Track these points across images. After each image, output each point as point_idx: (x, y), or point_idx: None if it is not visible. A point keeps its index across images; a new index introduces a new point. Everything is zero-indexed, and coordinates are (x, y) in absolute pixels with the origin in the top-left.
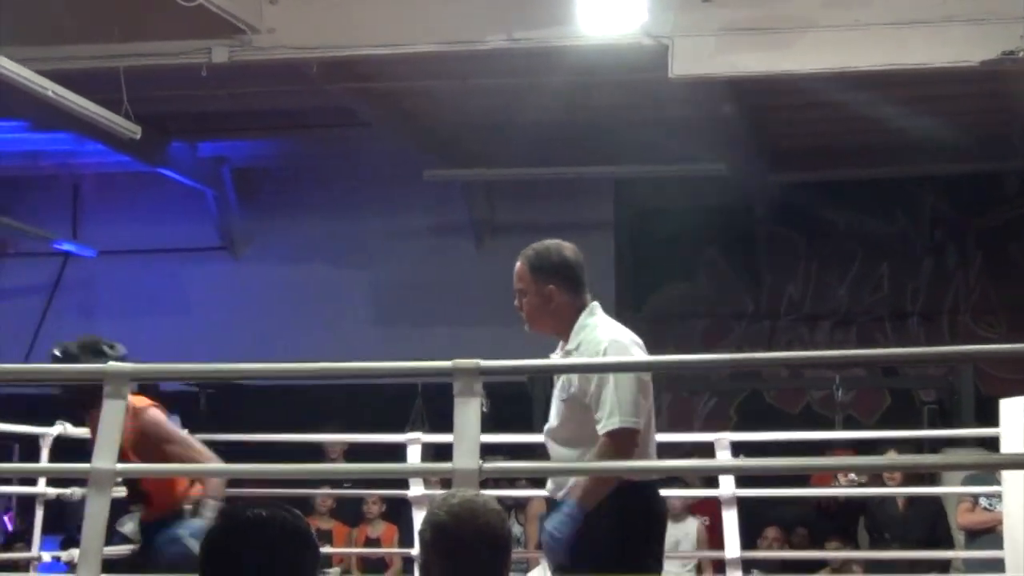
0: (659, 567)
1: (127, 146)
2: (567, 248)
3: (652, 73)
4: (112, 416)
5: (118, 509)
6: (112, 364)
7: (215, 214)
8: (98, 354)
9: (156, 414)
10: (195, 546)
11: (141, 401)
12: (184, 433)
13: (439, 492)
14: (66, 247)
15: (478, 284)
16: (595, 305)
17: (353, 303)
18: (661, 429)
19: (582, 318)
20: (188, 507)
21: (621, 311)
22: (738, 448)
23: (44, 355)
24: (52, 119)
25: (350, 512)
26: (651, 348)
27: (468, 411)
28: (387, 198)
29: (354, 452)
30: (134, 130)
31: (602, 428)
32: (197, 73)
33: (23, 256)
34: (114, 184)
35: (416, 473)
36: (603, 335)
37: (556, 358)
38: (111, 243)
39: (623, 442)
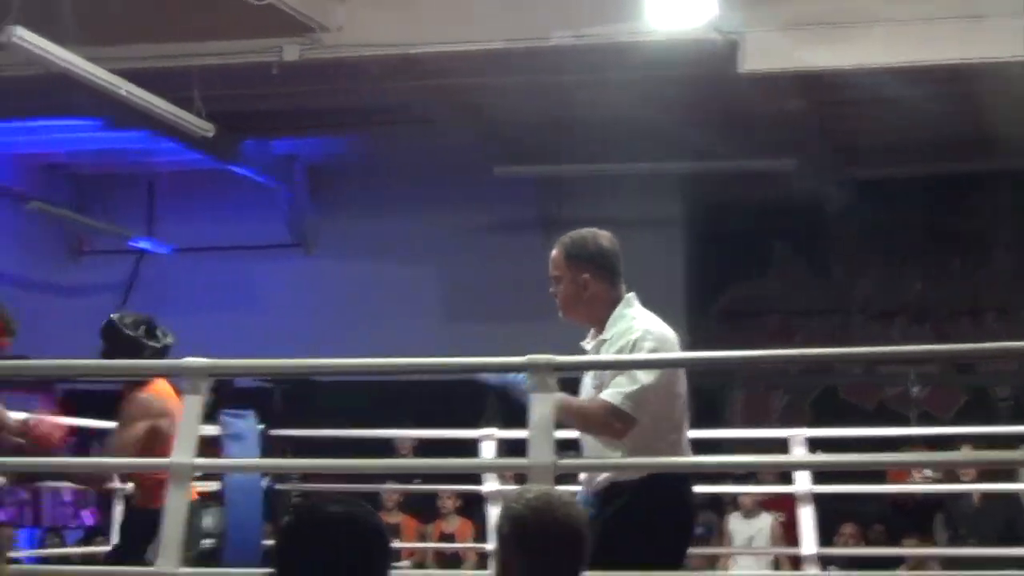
0: (678, 562)
1: (201, 144)
2: (604, 237)
3: (721, 69)
4: (191, 411)
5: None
6: (190, 360)
7: (287, 211)
8: (149, 333)
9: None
10: None
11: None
12: None
13: (513, 487)
14: (141, 244)
15: (546, 280)
16: (631, 296)
17: (423, 299)
18: (735, 425)
19: (619, 309)
20: None
21: (690, 308)
22: (814, 445)
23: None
24: (127, 118)
25: (421, 507)
26: (720, 345)
27: (543, 406)
28: (457, 194)
29: (423, 448)
30: (207, 128)
31: (603, 395)
32: (268, 71)
33: (100, 253)
34: (188, 182)
35: (492, 468)
36: (638, 326)
37: (588, 347)
38: (185, 240)
39: (611, 417)
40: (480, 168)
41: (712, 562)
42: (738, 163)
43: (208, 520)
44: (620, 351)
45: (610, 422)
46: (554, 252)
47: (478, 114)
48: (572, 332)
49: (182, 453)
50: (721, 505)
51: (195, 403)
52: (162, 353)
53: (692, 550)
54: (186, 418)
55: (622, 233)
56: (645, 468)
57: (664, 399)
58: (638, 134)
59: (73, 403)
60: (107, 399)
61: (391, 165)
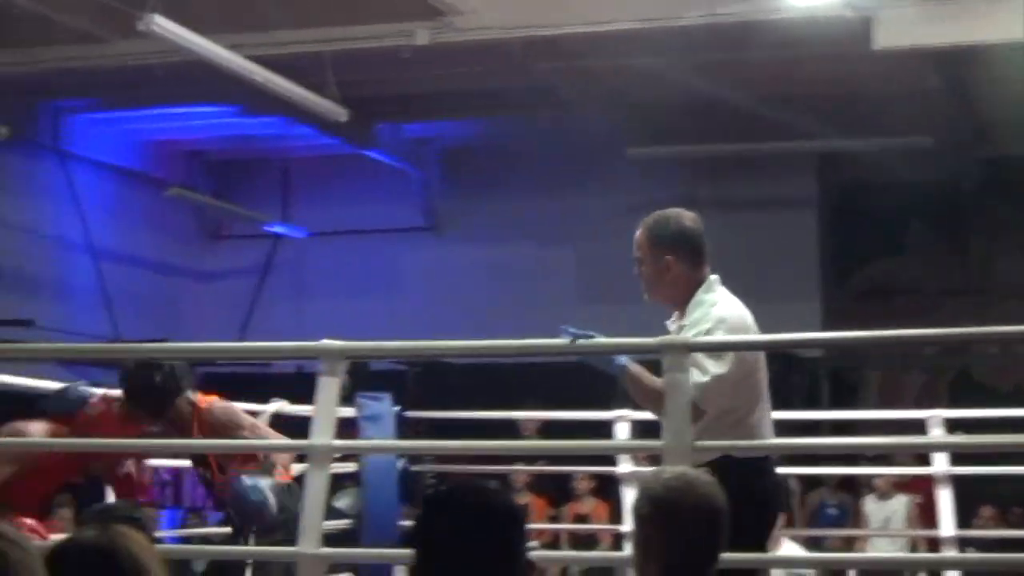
0: (759, 540)
1: (334, 129)
2: (687, 217)
3: (855, 46)
4: (328, 393)
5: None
6: (326, 342)
7: (421, 194)
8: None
9: (225, 406)
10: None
11: (205, 400)
12: (251, 419)
13: (648, 469)
14: (277, 229)
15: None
16: (713, 280)
17: (558, 281)
18: (871, 406)
19: (699, 293)
20: None
21: (825, 288)
22: (952, 426)
23: (259, 334)
24: (262, 104)
25: (550, 488)
26: (856, 324)
27: (678, 388)
28: (590, 176)
29: (551, 430)
30: (341, 113)
31: None
32: (400, 55)
33: (236, 238)
34: (322, 166)
35: (626, 450)
36: (714, 313)
37: (671, 328)
38: (320, 224)
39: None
40: (614, 149)
41: (848, 544)
42: (874, 141)
43: (345, 501)
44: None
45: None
46: (637, 233)
47: (613, 95)
48: None
49: (321, 435)
50: (856, 487)
51: (331, 385)
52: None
53: (829, 532)
54: (323, 400)
55: (759, 212)
56: (725, 450)
57: (739, 386)
58: (772, 113)
59: (212, 386)
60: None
61: (525, 147)
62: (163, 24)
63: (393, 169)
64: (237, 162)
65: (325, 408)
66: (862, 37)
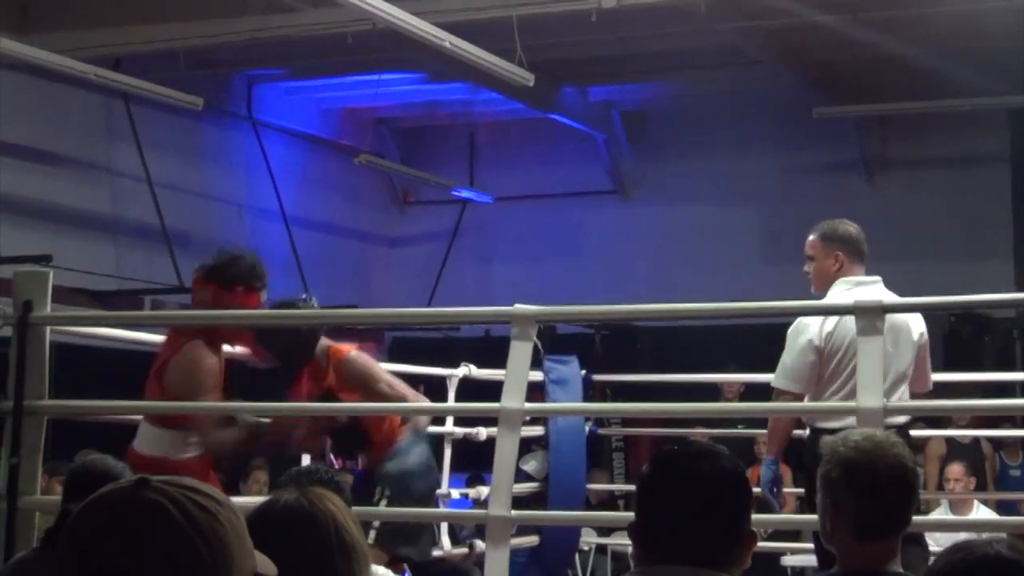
0: None
1: (520, 94)
2: (852, 226)
3: None
4: (519, 357)
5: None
6: (519, 307)
7: (606, 158)
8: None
9: (363, 356)
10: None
11: (341, 350)
12: (388, 373)
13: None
14: (464, 194)
15: (871, 221)
16: (857, 279)
17: (744, 242)
18: None
19: (835, 287)
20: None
21: (1020, 247)
22: None
23: (446, 299)
24: (449, 70)
25: (734, 453)
26: None
27: (872, 350)
28: (777, 136)
29: (750, 392)
30: (527, 78)
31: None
32: (587, 19)
33: (425, 204)
34: (508, 131)
35: (819, 411)
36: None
37: None
38: (506, 189)
39: (775, 398)
40: (801, 109)
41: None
42: None
43: (533, 464)
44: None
45: (778, 392)
46: (810, 236)
47: (799, 53)
48: (897, 271)
49: (512, 399)
50: None
51: (524, 349)
52: None
53: (1018, 495)
54: (515, 364)
55: (949, 171)
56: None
57: (812, 369)
58: (963, 69)
59: (403, 351)
60: (434, 346)
61: (710, 108)
62: None
63: (578, 133)
64: (424, 129)
65: (517, 372)
66: None
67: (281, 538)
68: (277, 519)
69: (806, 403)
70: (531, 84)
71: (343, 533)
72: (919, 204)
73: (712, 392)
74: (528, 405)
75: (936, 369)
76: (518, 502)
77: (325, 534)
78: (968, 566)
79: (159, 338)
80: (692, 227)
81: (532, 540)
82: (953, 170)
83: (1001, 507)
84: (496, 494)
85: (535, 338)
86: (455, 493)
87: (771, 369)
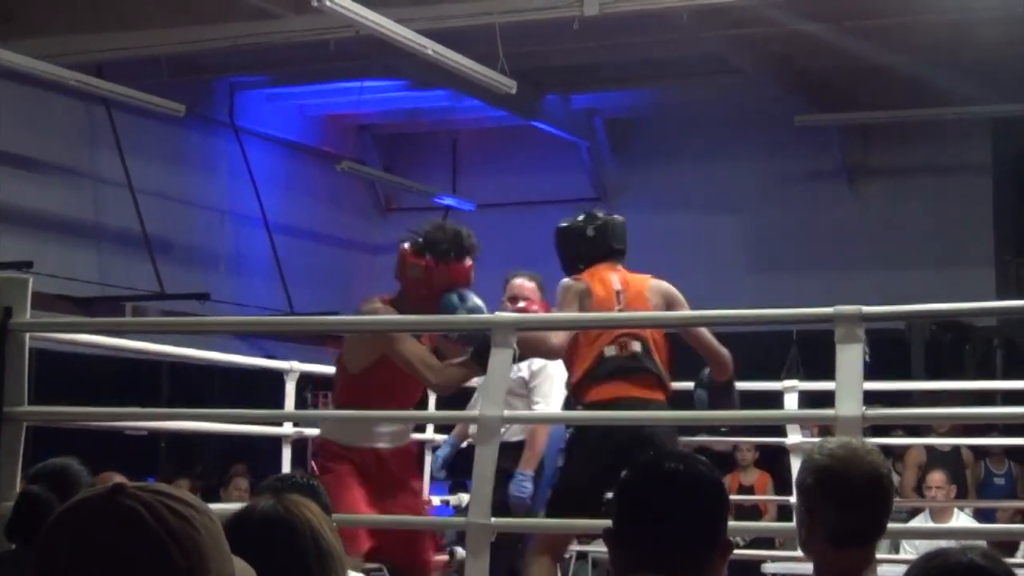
0: None
1: (502, 101)
2: None
3: None
4: (500, 364)
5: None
6: (498, 314)
7: (588, 165)
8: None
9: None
10: None
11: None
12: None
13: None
14: (447, 201)
15: (853, 229)
16: None
17: (727, 250)
18: None
19: None
20: None
21: (1000, 255)
22: None
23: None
24: (431, 77)
25: (713, 460)
26: None
27: (851, 357)
28: (759, 144)
29: None
30: (510, 85)
31: None
32: (569, 26)
33: (407, 211)
34: (490, 138)
35: (797, 420)
36: None
37: None
38: (488, 196)
39: None
40: (782, 117)
41: (1016, 515)
42: None
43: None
44: None
45: None
46: None
47: (782, 62)
48: (878, 280)
49: (491, 406)
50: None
51: (504, 357)
52: (603, 229)
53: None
54: (494, 372)
55: (931, 179)
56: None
57: None
58: (946, 78)
59: None
60: None
61: (692, 116)
62: None
63: (560, 140)
64: (406, 136)
65: (496, 379)
66: None
67: (257, 545)
68: (253, 526)
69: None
70: (514, 91)
71: (320, 540)
72: (901, 212)
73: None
74: (506, 412)
75: (917, 377)
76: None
77: (302, 541)
78: (942, 573)
79: (140, 344)
80: (674, 235)
81: None
82: (935, 178)
83: (980, 515)
84: (476, 501)
85: (515, 346)
86: (436, 500)
87: (752, 376)
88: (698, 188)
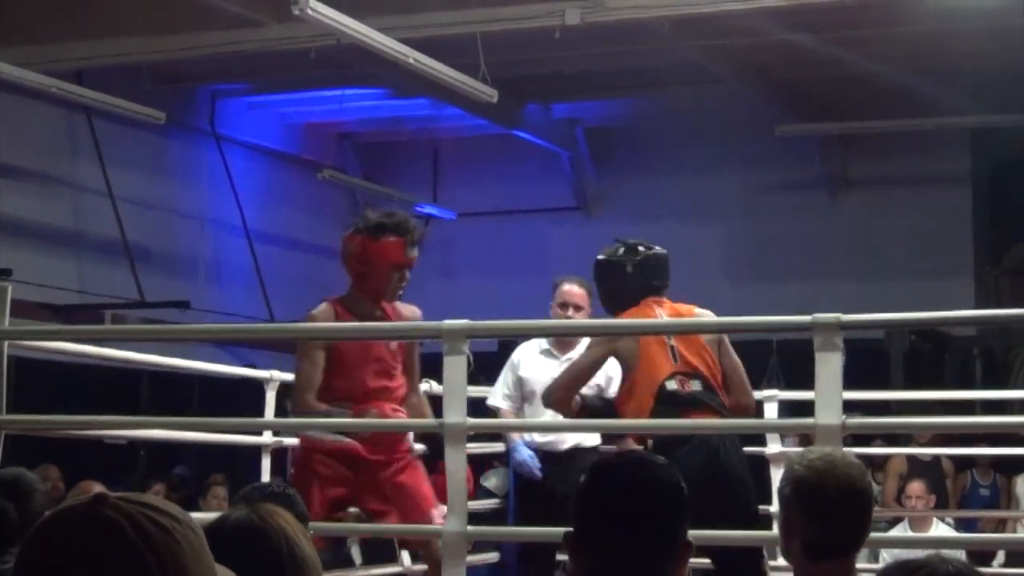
0: None
1: (484, 110)
2: None
3: (1012, 18)
4: (454, 372)
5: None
6: (448, 322)
7: (570, 174)
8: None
9: None
10: None
11: None
12: None
13: (797, 449)
14: (428, 210)
15: (833, 239)
16: None
17: (707, 260)
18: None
19: None
20: None
21: (979, 265)
22: None
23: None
24: (412, 86)
25: None
26: (1008, 303)
27: (830, 366)
28: (739, 154)
29: None
30: (491, 94)
31: None
32: (550, 36)
33: None
34: (471, 147)
35: (776, 429)
36: None
37: None
38: (469, 205)
39: None
40: (762, 127)
41: (999, 525)
42: None
43: (493, 480)
44: None
45: None
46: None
47: (762, 72)
48: (856, 290)
49: (454, 414)
50: (1009, 468)
51: (458, 364)
52: (643, 265)
53: (979, 512)
54: (451, 379)
55: (910, 190)
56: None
57: None
58: (926, 88)
59: None
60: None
61: (673, 126)
62: (318, 8)
63: (542, 149)
64: (387, 144)
65: (454, 387)
66: (1016, 10)
67: (232, 555)
68: (227, 535)
69: (770, 420)
70: (495, 100)
71: (294, 548)
72: (881, 222)
73: None
74: (471, 420)
75: (897, 387)
76: (481, 519)
77: (276, 550)
78: None
79: (119, 353)
80: (656, 243)
81: (492, 557)
82: (915, 189)
83: (961, 524)
84: (451, 510)
85: (467, 352)
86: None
87: None
88: (678, 197)
